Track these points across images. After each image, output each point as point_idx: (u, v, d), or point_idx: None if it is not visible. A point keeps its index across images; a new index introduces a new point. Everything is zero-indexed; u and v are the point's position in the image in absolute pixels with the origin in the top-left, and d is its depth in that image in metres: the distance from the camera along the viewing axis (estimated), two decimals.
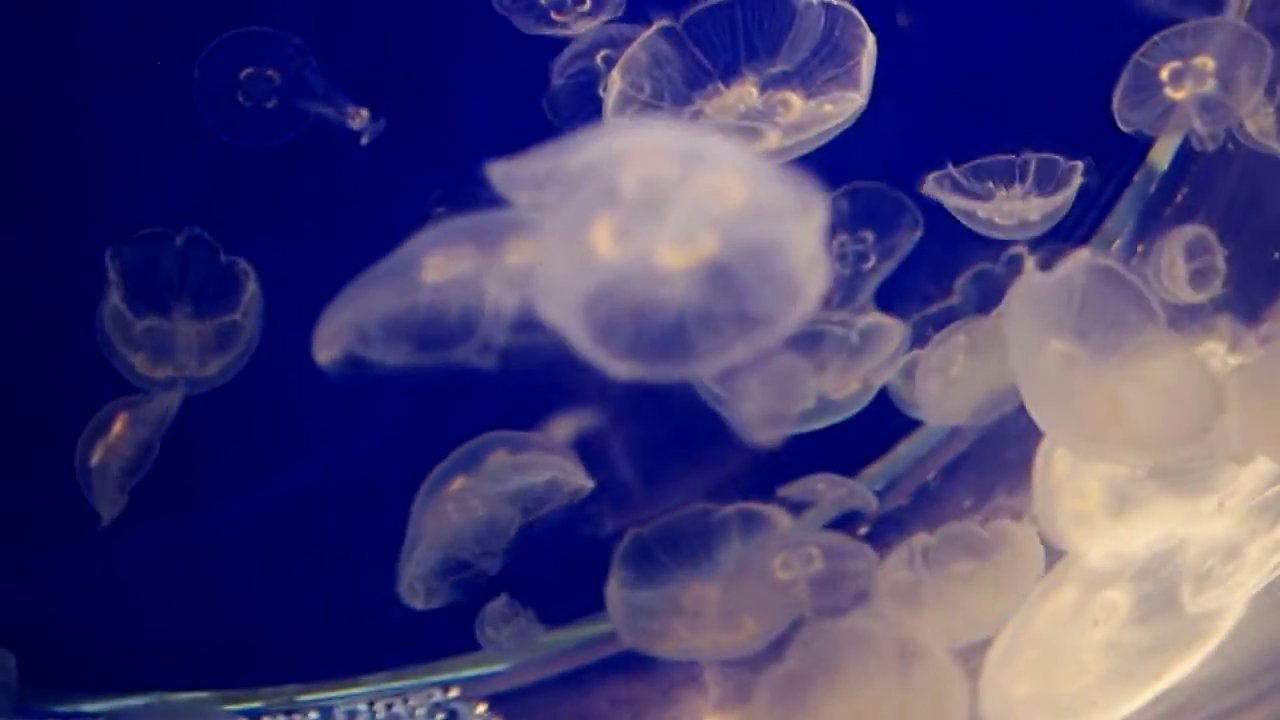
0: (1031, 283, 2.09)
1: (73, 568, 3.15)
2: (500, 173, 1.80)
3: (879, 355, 2.76)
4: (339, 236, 3.17)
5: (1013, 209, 2.70)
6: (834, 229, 2.81)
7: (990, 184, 2.73)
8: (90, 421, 2.89)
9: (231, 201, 3.16)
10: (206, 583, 3.22)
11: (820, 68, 2.52)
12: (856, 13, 2.50)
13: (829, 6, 2.51)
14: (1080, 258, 2.08)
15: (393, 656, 3.24)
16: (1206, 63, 2.54)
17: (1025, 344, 2.13)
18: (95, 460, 2.87)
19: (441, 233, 1.85)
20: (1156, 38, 2.58)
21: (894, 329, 2.80)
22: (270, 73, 3.10)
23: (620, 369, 1.64)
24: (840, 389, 2.76)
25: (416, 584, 2.81)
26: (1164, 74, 2.59)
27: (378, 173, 3.14)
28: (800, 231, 1.60)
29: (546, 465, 2.77)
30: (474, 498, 2.71)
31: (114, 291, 2.88)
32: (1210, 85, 2.56)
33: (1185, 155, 3.05)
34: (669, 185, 1.58)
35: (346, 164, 3.14)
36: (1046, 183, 2.71)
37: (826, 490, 2.83)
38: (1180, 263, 2.62)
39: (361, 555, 3.15)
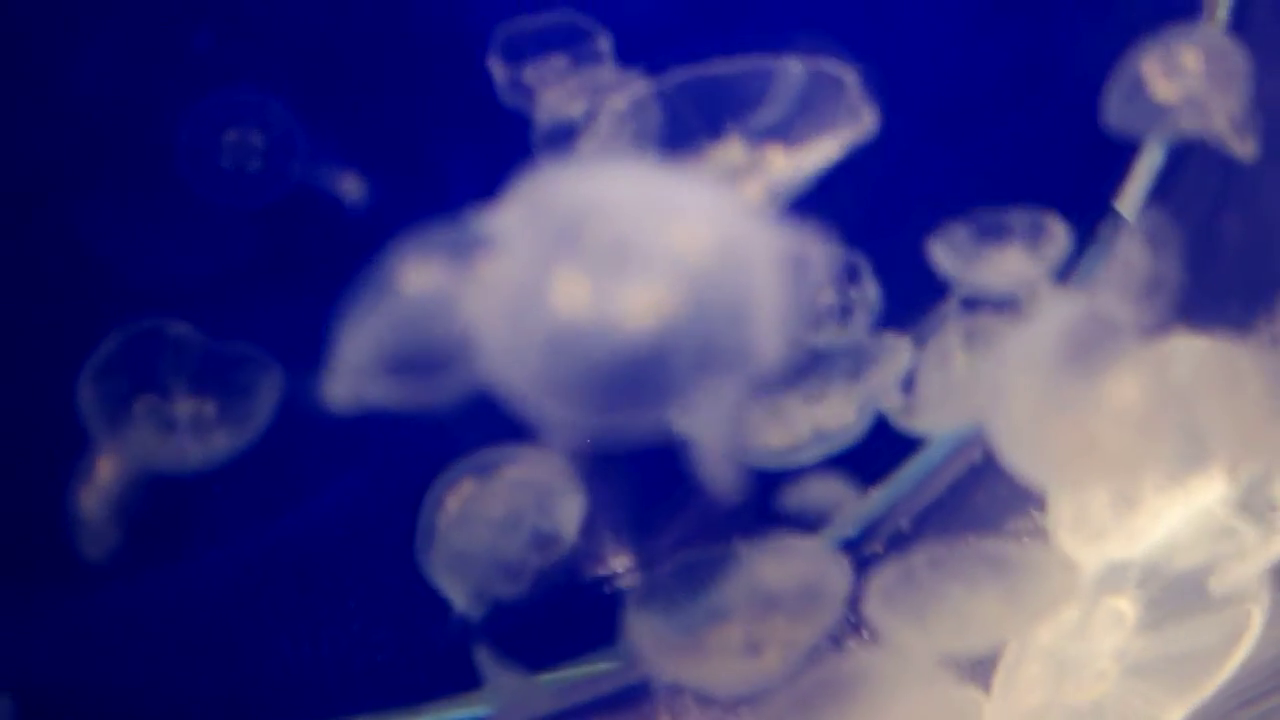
0: (1032, 332, 2.09)
1: (68, 614, 3.12)
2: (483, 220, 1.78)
3: (883, 376, 2.76)
4: (323, 296, 3.18)
5: (1008, 269, 2.72)
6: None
7: (983, 247, 2.74)
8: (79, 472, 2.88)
9: (214, 263, 3.18)
10: (199, 629, 3.20)
11: (805, 123, 2.55)
12: (844, 71, 2.54)
13: (813, 69, 2.55)
14: (1068, 300, 2.08)
15: (380, 699, 3.23)
16: (1193, 61, 2.59)
17: (1001, 389, 2.13)
18: (88, 507, 2.83)
19: (417, 249, 1.81)
20: (1146, 42, 2.62)
21: (899, 347, 2.79)
22: (254, 135, 3.13)
23: (575, 424, 1.63)
24: (838, 418, 2.73)
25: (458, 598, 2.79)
26: (1152, 74, 2.64)
27: (362, 233, 3.15)
28: (774, 275, 1.59)
29: (557, 486, 2.76)
30: (479, 522, 2.70)
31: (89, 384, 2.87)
32: (1197, 85, 2.61)
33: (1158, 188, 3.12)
34: (634, 235, 1.57)
35: (330, 225, 3.16)
36: (1037, 239, 2.73)
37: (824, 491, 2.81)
38: (1139, 255, 2.63)
39: (348, 600, 3.17)
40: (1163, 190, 3.11)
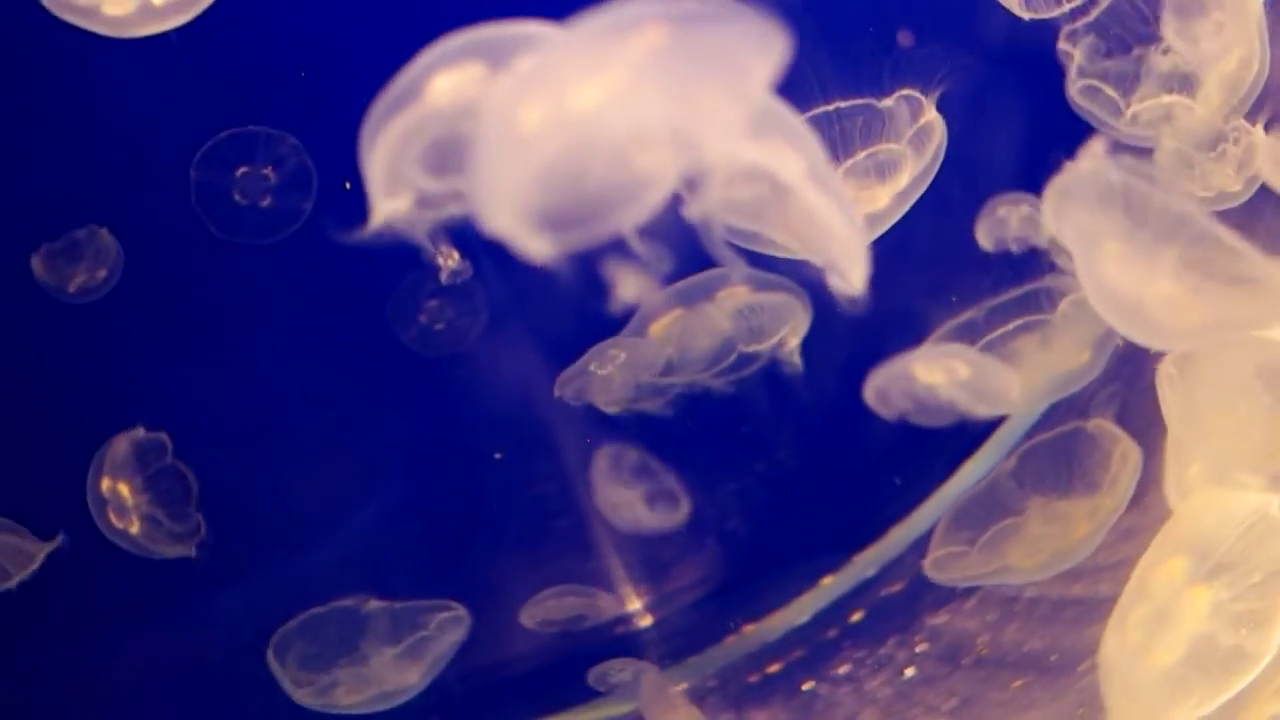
0: (1078, 177, 1.98)
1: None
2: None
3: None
4: (334, 327, 3.18)
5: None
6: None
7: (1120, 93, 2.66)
8: (92, 507, 2.86)
9: (227, 299, 3.16)
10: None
11: (898, 153, 2.63)
12: (928, 101, 2.63)
13: (908, 99, 2.63)
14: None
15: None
16: None
17: (1082, 252, 2.03)
18: (136, 529, 2.82)
19: (447, 50, 1.69)
20: None
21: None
22: (265, 171, 3.11)
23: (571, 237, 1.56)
24: (1068, 359, 2.71)
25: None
26: None
27: (371, 266, 3.12)
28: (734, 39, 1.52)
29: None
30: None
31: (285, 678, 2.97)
32: None
33: None
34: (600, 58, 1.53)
35: (340, 259, 3.12)
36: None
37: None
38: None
39: None
40: None
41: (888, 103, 2.62)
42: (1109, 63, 2.62)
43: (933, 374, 2.54)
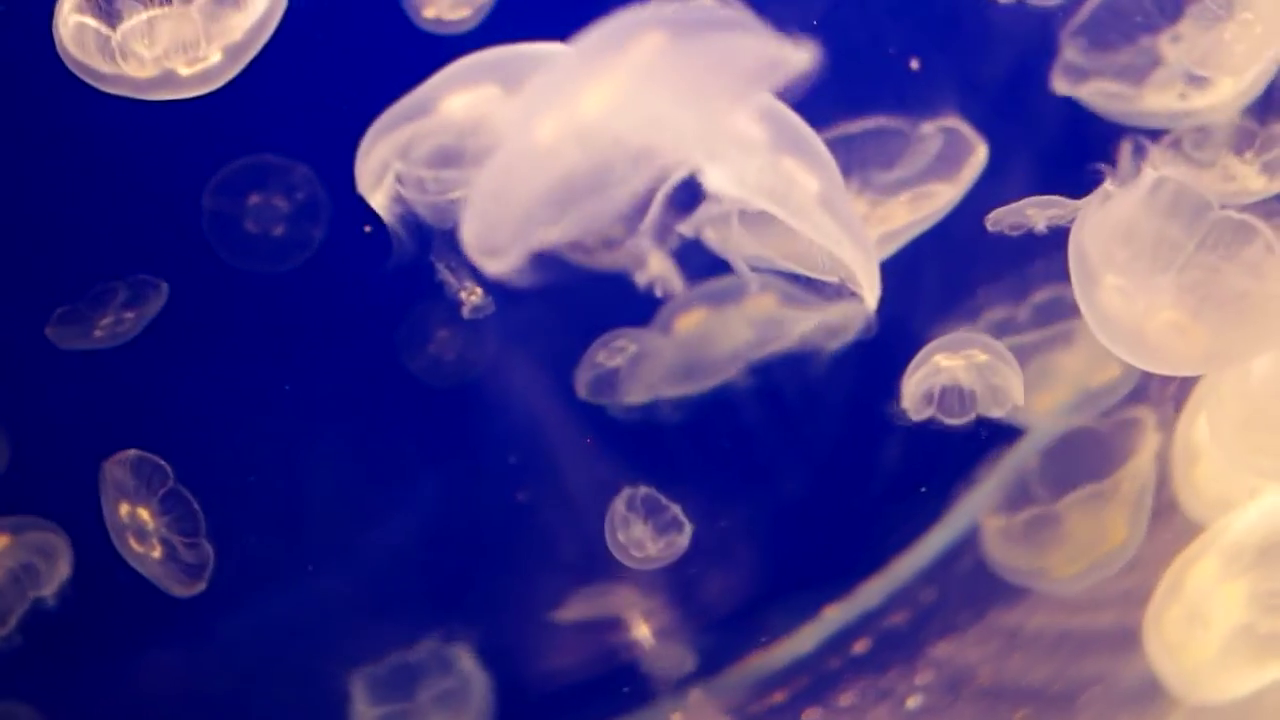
0: (1088, 218, 1.99)
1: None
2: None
3: None
4: (345, 358, 3.19)
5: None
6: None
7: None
8: (114, 537, 2.86)
9: (237, 326, 3.18)
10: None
11: (925, 178, 2.65)
12: (966, 128, 2.65)
13: (944, 129, 2.66)
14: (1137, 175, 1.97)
15: None
16: None
17: (1083, 286, 2.05)
18: (158, 553, 2.83)
19: (462, 69, 1.74)
20: None
21: None
22: (277, 200, 3.13)
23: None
24: (1095, 373, 2.72)
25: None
26: None
27: (383, 296, 3.14)
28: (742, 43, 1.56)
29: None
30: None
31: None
32: None
33: None
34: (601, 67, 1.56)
35: (350, 288, 3.15)
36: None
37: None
38: None
39: None
40: None
41: (927, 129, 2.63)
42: (1114, 57, 2.63)
43: (953, 359, 2.54)
